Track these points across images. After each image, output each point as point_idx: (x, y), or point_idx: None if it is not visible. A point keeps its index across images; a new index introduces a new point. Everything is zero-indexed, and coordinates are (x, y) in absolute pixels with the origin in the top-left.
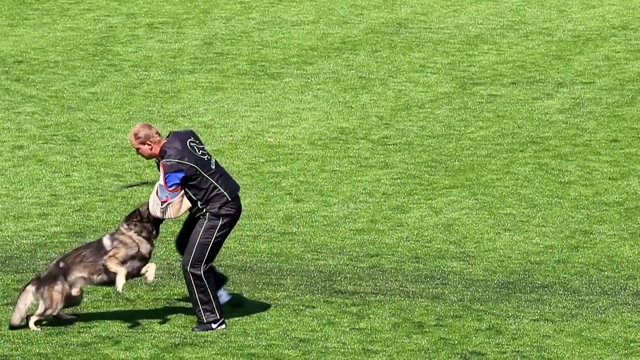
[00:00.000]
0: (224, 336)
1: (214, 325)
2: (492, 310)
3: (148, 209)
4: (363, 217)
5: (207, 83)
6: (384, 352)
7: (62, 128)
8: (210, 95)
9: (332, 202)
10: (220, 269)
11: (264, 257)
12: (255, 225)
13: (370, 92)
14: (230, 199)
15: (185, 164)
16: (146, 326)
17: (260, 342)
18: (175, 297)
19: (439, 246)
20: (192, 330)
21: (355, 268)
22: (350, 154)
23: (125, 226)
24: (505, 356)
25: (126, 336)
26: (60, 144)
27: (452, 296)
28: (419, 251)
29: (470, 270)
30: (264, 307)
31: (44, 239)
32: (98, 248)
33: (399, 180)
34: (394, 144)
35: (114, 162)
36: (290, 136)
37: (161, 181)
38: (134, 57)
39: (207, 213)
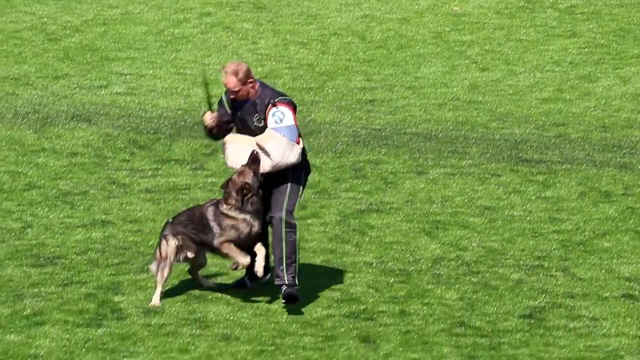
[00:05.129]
0: (409, 203)
1: (294, 285)
2: None
3: (255, 173)
4: (550, 86)
5: None
6: (570, 221)
7: None
8: None
9: (518, 71)
10: (406, 136)
11: (449, 126)
12: (440, 93)
13: None
14: (306, 151)
15: (294, 107)
16: (332, 192)
17: (445, 210)
18: (360, 163)
19: (626, 115)
20: (283, 303)
21: (542, 137)
22: (537, 23)
23: (227, 207)
24: None
25: (313, 202)
26: (246, 12)
27: (639, 165)
28: (606, 120)
29: None
30: (450, 175)
31: None
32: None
33: (586, 49)
34: (581, 13)
35: (300, 29)
36: (476, 5)
37: (292, 121)
38: None
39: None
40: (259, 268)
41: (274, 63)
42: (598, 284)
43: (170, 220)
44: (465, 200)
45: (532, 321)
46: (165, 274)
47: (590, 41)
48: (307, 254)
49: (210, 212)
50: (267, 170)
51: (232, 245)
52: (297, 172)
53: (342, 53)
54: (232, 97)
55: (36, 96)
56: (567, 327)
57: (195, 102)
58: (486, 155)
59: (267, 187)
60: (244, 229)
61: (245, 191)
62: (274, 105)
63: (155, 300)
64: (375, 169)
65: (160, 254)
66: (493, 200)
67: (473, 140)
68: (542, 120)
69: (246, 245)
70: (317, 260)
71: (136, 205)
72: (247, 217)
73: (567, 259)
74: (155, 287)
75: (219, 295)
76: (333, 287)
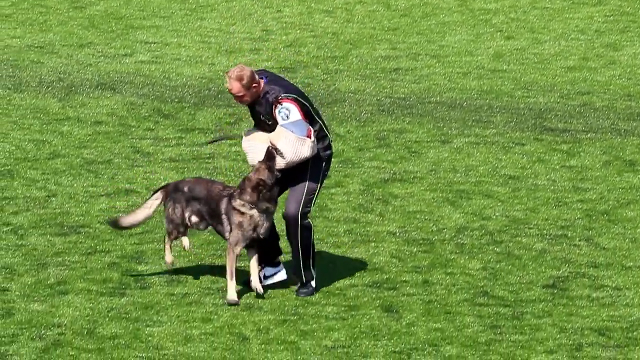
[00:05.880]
0: (432, 172)
1: (313, 283)
2: None
3: (271, 169)
4: (575, 55)
5: None
6: (594, 190)
7: None
8: None
9: (543, 39)
10: (430, 105)
11: (473, 94)
12: (465, 62)
13: None
14: (331, 141)
15: (300, 100)
16: (356, 161)
17: (469, 179)
18: (384, 132)
19: None
20: (297, 295)
21: (566, 106)
22: None
23: (240, 202)
24: None
25: (336, 171)
26: None
27: None
28: (632, 89)
29: None
30: (474, 144)
31: None
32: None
33: (612, 17)
34: None
35: None
36: None
37: (298, 116)
38: None
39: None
40: (255, 284)
41: (298, 31)
42: (622, 254)
43: (186, 185)
44: (489, 170)
45: (555, 291)
46: (177, 236)
47: (616, 9)
48: (331, 223)
49: (223, 204)
50: (282, 167)
51: (233, 263)
52: (316, 169)
53: (366, 21)
54: (237, 101)
55: (61, 64)
56: (590, 296)
57: (220, 71)
58: (510, 124)
59: (284, 182)
60: (248, 226)
61: (260, 187)
62: (278, 102)
63: (168, 257)
64: (399, 138)
65: (171, 216)
66: (517, 169)
67: (497, 109)
68: (566, 89)
69: (251, 242)
70: (340, 230)
71: (160, 174)
72: (255, 214)
73: (591, 229)
74: (165, 243)
75: (242, 265)
76: (356, 256)
